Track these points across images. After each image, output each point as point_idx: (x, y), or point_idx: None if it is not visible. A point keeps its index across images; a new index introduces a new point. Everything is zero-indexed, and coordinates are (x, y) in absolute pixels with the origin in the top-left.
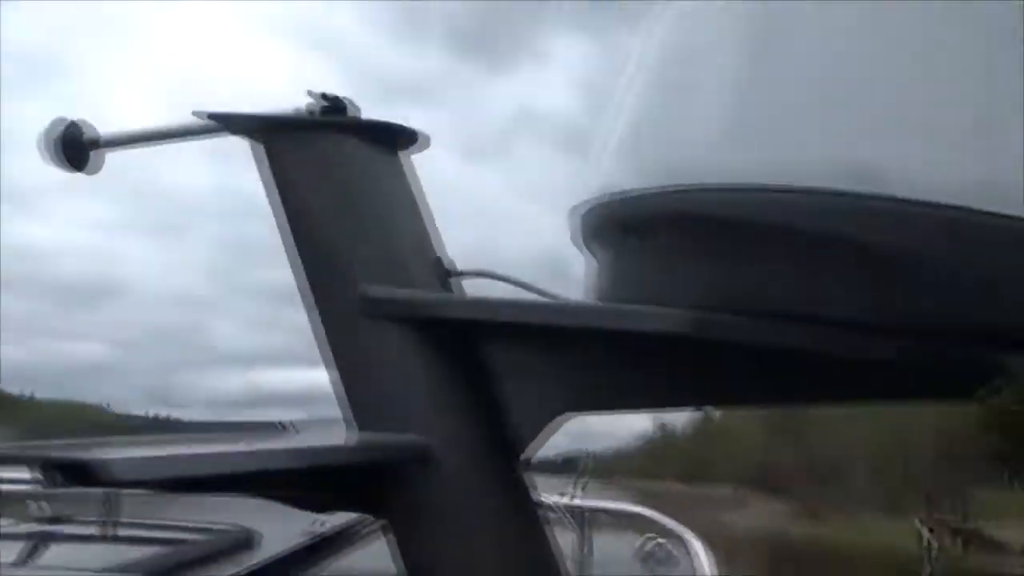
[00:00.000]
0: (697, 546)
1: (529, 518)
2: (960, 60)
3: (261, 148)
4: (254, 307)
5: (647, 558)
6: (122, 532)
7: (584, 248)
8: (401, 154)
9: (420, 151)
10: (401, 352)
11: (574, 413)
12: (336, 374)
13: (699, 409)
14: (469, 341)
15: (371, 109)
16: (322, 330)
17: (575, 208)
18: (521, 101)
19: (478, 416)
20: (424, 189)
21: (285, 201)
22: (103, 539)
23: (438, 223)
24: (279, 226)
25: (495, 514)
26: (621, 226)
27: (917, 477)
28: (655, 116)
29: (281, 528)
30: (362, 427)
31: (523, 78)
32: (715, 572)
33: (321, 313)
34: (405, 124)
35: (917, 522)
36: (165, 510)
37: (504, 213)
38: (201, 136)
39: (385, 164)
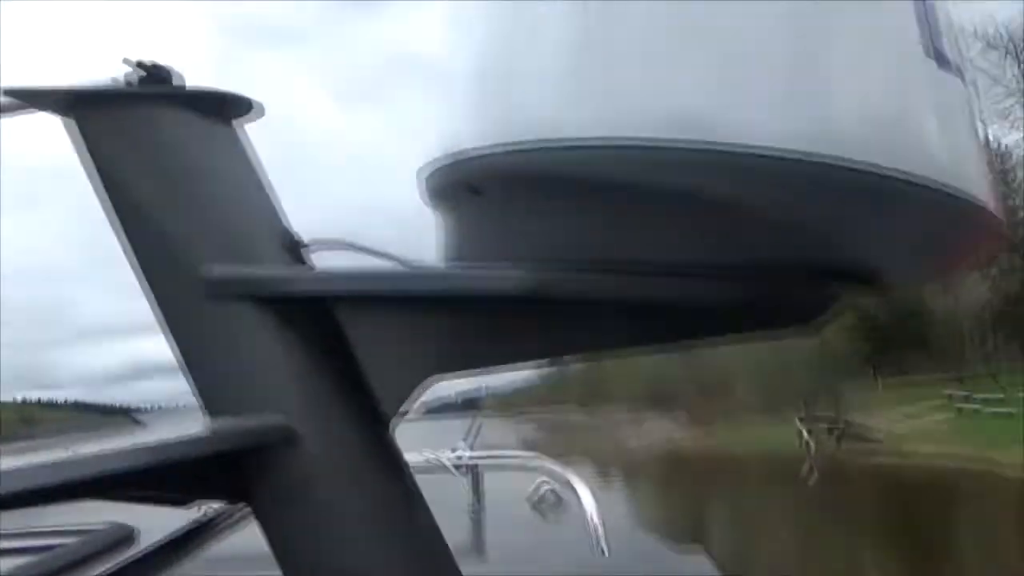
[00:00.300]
0: (585, 491)
1: (402, 487)
2: (784, 9)
3: (74, 125)
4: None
5: (539, 504)
6: None
7: (432, 209)
8: (235, 124)
9: (255, 120)
10: (251, 332)
11: (439, 377)
12: (180, 357)
13: (560, 362)
14: (324, 314)
15: (242, 53)
16: (162, 316)
17: (421, 169)
18: (395, 43)
19: (340, 390)
20: (301, 139)
21: (107, 182)
22: None
23: (316, 173)
24: (104, 209)
25: (366, 487)
26: (463, 186)
27: (795, 383)
28: (491, 74)
29: (160, 521)
30: (214, 413)
31: (394, 16)
32: (600, 516)
33: (160, 298)
34: (236, 92)
35: (797, 422)
36: (36, 517)
37: (382, 160)
38: (8, 114)
39: (218, 135)
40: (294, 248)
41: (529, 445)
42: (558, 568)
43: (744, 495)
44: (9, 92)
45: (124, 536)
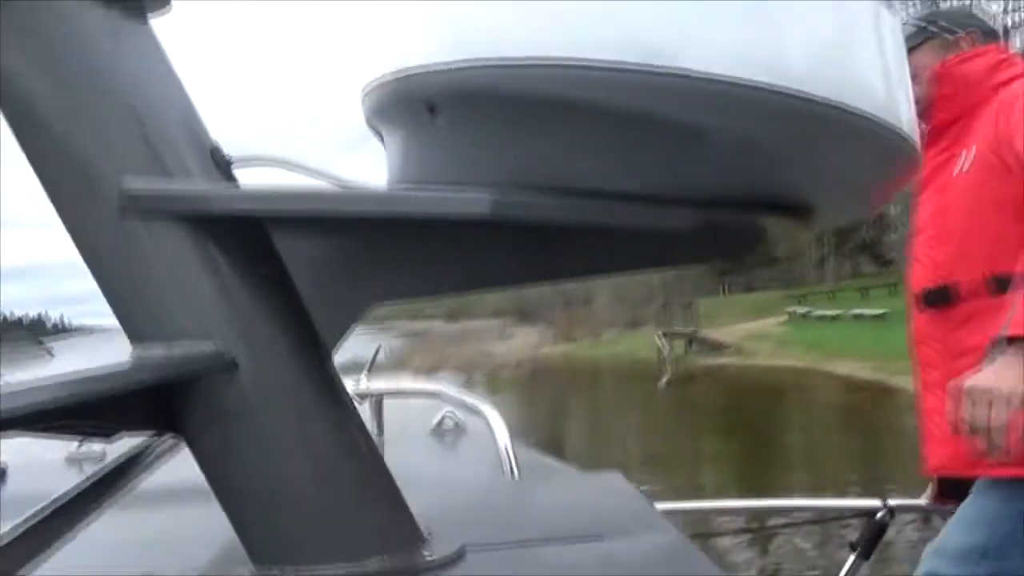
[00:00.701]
0: (494, 416)
1: (342, 415)
2: None
3: None
4: None
5: (443, 434)
6: None
7: (374, 130)
8: (152, 21)
9: (166, 15)
10: (177, 254)
11: (383, 303)
12: (99, 283)
13: (507, 288)
14: (258, 236)
15: None
16: (75, 236)
17: (365, 87)
18: None
19: (277, 316)
20: (231, 40)
21: (2, 85)
22: None
23: (244, 80)
24: (4, 120)
25: (305, 416)
26: (410, 104)
27: (654, 296)
28: None
29: (25, 459)
30: (137, 340)
31: None
32: (509, 440)
33: (71, 217)
34: None
35: (656, 336)
36: None
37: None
38: None
39: (133, 34)
40: (224, 164)
41: (395, 356)
42: (469, 494)
43: (604, 397)
44: None
45: None
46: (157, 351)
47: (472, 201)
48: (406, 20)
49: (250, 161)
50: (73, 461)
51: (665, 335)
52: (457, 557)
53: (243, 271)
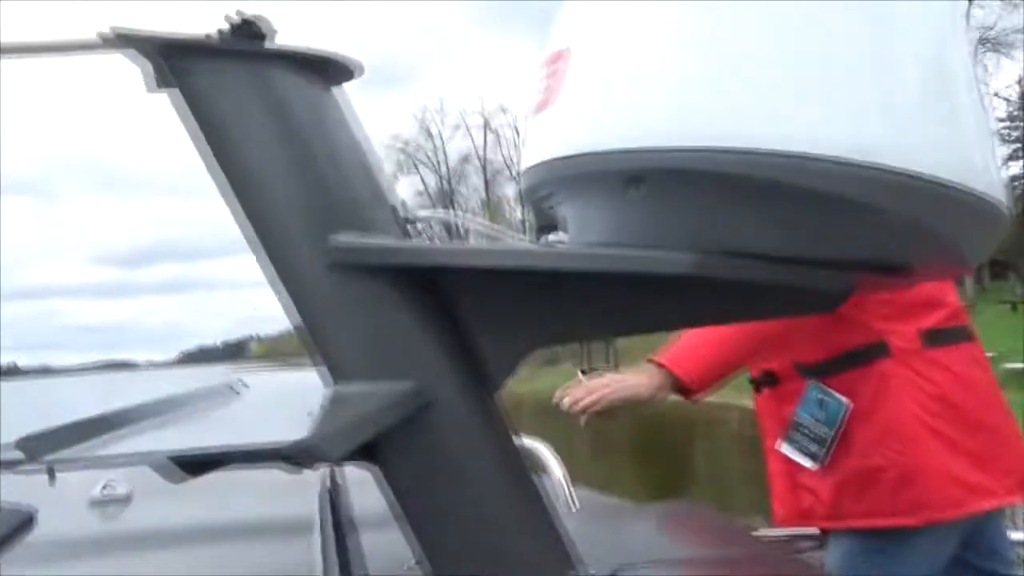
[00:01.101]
0: (544, 451)
1: (511, 446)
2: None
3: (171, 78)
4: None
5: None
6: None
7: (551, 197)
8: (336, 88)
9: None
10: (374, 302)
11: (543, 347)
12: (307, 326)
13: (640, 333)
14: (434, 287)
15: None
16: (282, 284)
17: (545, 161)
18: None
19: (459, 357)
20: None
21: (214, 145)
22: None
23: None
24: (208, 168)
25: (485, 447)
26: (609, 177)
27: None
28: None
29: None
30: (341, 378)
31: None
32: (564, 473)
33: (282, 267)
34: (340, 54)
35: (578, 373)
36: None
37: None
38: (82, 52)
39: (326, 100)
40: (403, 221)
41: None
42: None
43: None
44: (108, 35)
45: (25, 519)
46: (360, 387)
47: (680, 261)
48: (627, 100)
49: (423, 219)
50: (97, 503)
51: (584, 372)
52: None
53: (431, 317)
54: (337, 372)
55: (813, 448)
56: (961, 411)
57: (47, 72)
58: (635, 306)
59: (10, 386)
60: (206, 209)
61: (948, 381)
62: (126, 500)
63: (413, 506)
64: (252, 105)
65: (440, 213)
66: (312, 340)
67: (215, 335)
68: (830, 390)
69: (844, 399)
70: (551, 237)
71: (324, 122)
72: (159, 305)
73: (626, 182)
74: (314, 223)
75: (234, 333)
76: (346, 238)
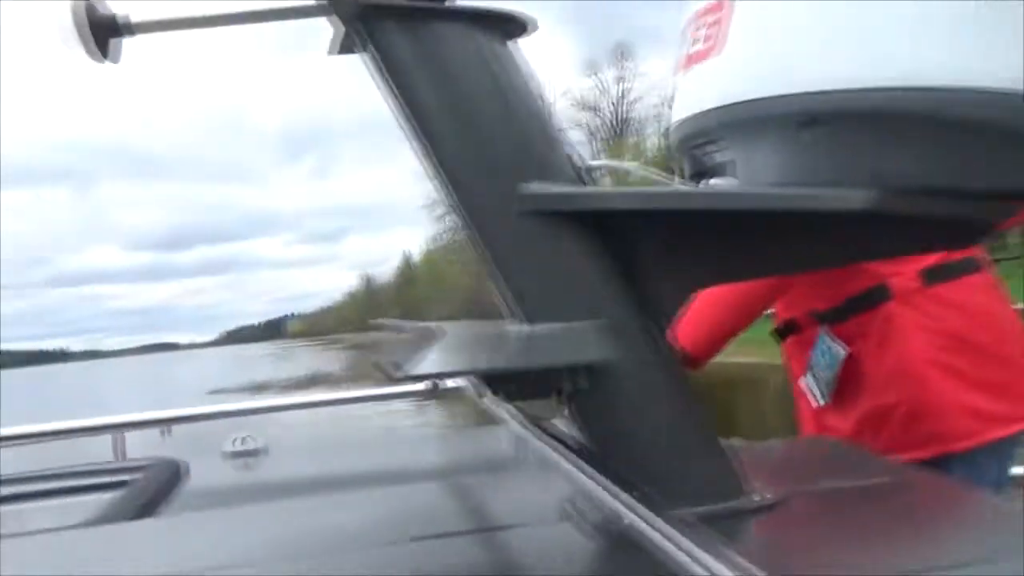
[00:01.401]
0: None
1: (682, 377)
2: None
3: (363, 41)
4: None
5: None
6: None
7: (712, 144)
8: (510, 44)
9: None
10: (559, 245)
11: (712, 285)
12: (499, 271)
13: (792, 273)
14: (609, 230)
15: None
16: (476, 229)
17: (707, 110)
18: None
19: (634, 297)
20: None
21: (408, 101)
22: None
23: None
24: (400, 123)
25: (660, 378)
26: (781, 120)
27: None
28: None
29: (205, 456)
30: (532, 320)
31: None
32: None
33: (476, 217)
34: (517, 11)
35: None
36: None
37: None
38: (276, 18)
39: (504, 54)
40: (578, 169)
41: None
42: None
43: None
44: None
45: (175, 471)
46: (552, 328)
47: (863, 198)
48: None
49: (597, 167)
50: (238, 455)
51: None
52: (783, 501)
53: (601, 259)
54: (530, 312)
55: (821, 388)
56: (973, 343)
57: (79, 62)
58: (806, 243)
59: (64, 368)
60: (237, 193)
61: (955, 315)
62: (262, 452)
63: (597, 432)
64: (440, 62)
65: (612, 162)
66: (504, 283)
67: (254, 315)
68: (835, 338)
69: (842, 348)
70: (712, 181)
71: (505, 76)
72: (197, 287)
73: (799, 125)
74: (505, 173)
75: (271, 313)
76: (534, 186)
